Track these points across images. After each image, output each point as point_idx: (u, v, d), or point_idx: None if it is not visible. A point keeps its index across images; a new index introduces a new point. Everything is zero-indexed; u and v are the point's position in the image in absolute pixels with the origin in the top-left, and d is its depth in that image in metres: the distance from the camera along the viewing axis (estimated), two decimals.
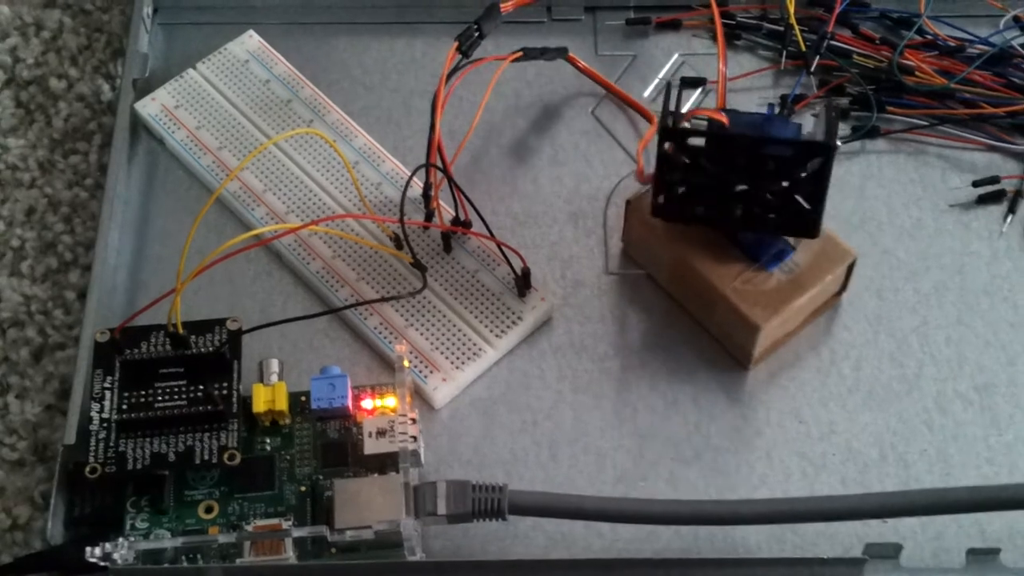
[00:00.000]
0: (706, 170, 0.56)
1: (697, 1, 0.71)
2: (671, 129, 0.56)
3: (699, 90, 0.69)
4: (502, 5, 0.63)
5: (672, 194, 0.58)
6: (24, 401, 0.60)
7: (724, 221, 0.58)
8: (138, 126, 0.68)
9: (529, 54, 0.65)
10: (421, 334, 0.60)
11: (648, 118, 0.68)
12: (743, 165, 0.56)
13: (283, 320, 0.58)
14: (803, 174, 0.56)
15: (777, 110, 0.67)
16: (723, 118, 0.56)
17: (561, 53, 0.68)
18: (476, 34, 0.62)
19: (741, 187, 0.56)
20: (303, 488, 0.55)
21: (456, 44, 0.61)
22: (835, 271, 0.59)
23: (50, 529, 0.54)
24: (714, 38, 0.70)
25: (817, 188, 0.56)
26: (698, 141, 0.56)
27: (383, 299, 0.61)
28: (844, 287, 0.62)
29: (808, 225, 0.58)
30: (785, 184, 0.56)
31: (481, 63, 0.63)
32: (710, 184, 0.57)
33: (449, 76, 0.60)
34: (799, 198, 0.56)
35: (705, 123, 0.56)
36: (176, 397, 0.55)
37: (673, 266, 0.60)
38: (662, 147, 0.56)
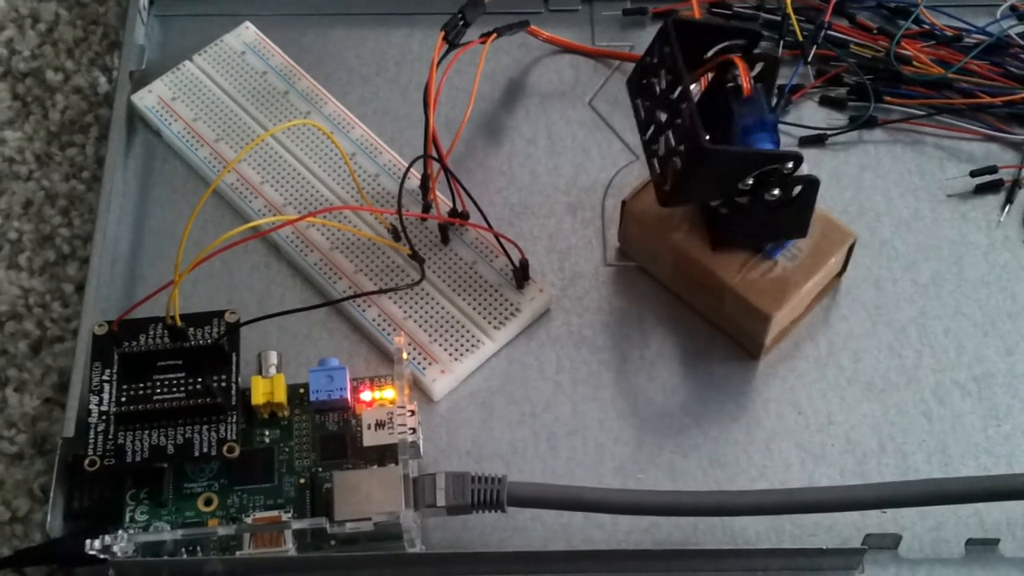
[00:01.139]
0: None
1: None
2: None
3: None
4: None
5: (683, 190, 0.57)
6: (23, 394, 0.60)
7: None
8: (135, 118, 0.68)
9: (502, 32, 0.66)
10: (419, 326, 0.60)
11: None
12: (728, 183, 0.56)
13: (281, 312, 0.58)
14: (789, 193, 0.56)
15: (775, 101, 0.67)
16: (747, 86, 0.56)
17: (523, 26, 0.68)
18: (461, 22, 0.63)
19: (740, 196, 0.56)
20: (302, 480, 0.55)
21: (443, 33, 0.62)
22: (837, 253, 0.59)
23: (49, 522, 0.54)
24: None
25: (803, 209, 0.57)
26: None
27: (381, 291, 0.61)
28: (844, 268, 0.62)
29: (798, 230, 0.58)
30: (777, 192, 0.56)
31: (466, 48, 0.63)
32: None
33: (438, 64, 0.60)
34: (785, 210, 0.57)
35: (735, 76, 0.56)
36: (175, 390, 0.55)
37: (675, 263, 0.60)
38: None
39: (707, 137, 0.54)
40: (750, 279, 0.58)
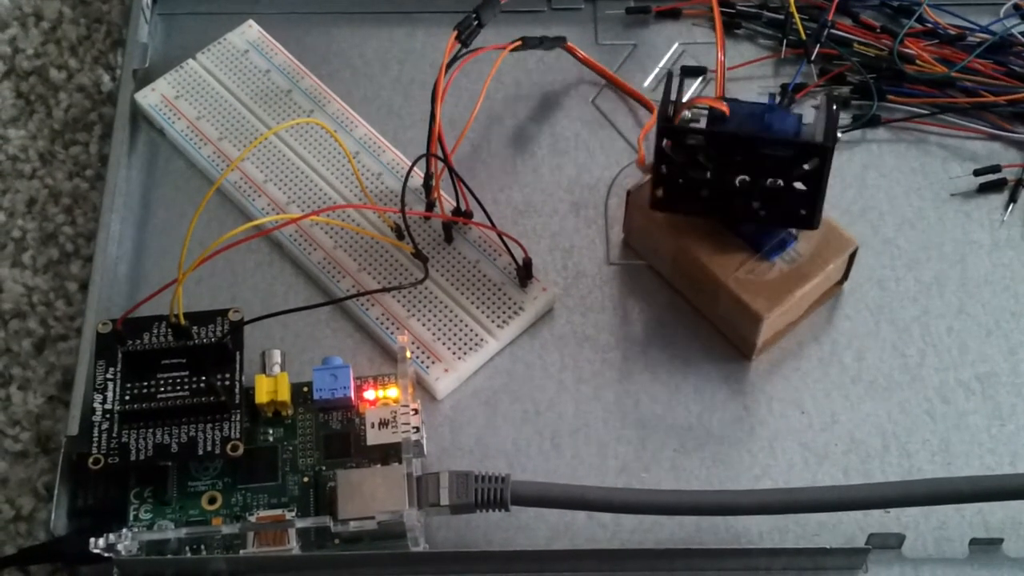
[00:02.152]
0: (704, 165, 0.56)
1: None
2: (669, 126, 0.56)
3: (700, 79, 0.69)
4: None
5: (671, 187, 0.57)
6: (27, 392, 0.60)
7: (723, 213, 0.58)
8: (138, 117, 0.68)
9: (528, 43, 0.65)
10: (423, 324, 0.60)
11: (649, 107, 0.68)
12: (741, 161, 0.56)
13: (285, 311, 0.58)
14: (801, 171, 0.56)
15: (778, 100, 0.67)
16: (724, 107, 0.56)
17: (560, 42, 0.67)
18: (475, 23, 0.62)
19: (741, 178, 0.56)
20: (306, 479, 0.55)
21: (455, 33, 0.61)
22: (837, 260, 0.59)
23: (53, 520, 0.54)
24: (714, 27, 0.70)
25: (815, 185, 0.56)
26: (696, 139, 0.56)
27: (384, 289, 0.61)
28: (846, 276, 0.62)
29: (807, 218, 0.58)
30: (781, 183, 0.56)
31: (480, 52, 0.63)
32: (708, 179, 0.57)
33: (448, 66, 0.60)
34: (798, 192, 0.56)
35: (706, 112, 0.56)
36: (179, 388, 0.55)
37: (675, 257, 0.60)
38: (660, 142, 0.56)
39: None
40: (746, 279, 0.58)
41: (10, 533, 0.57)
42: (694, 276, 0.60)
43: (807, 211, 0.57)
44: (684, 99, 0.57)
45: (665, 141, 0.56)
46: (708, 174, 0.56)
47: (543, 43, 0.66)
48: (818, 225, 0.58)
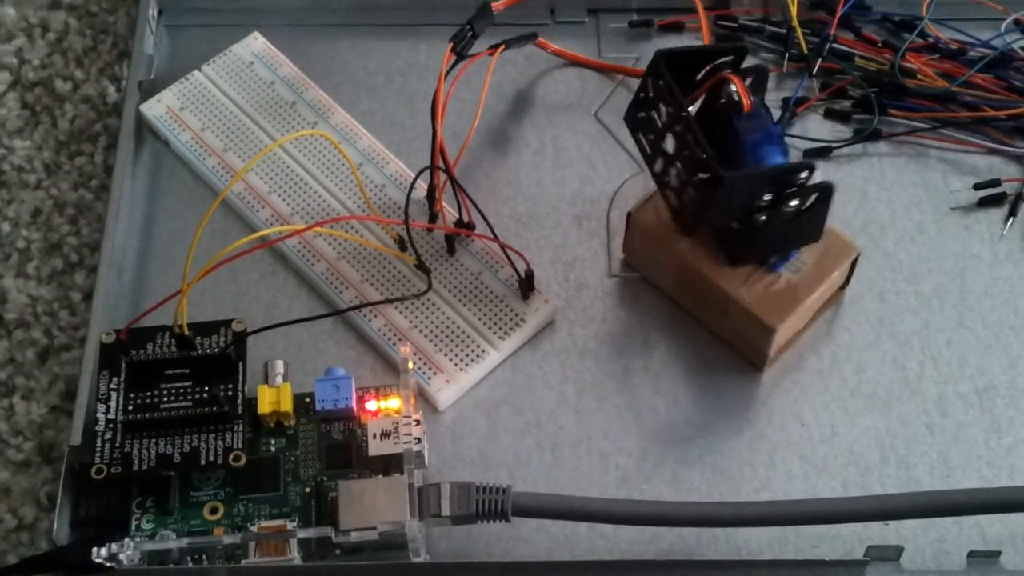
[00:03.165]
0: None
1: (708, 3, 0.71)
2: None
3: None
4: (494, 4, 0.65)
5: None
6: (30, 402, 0.60)
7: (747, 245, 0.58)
8: (143, 128, 0.68)
9: (509, 44, 0.66)
10: (425, 336, 0.60)
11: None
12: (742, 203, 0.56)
13: (288, 321, 0.59)
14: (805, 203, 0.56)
15: (781, 113, 0.68)
16: (747, 102, 0.56)
17: (532, 39, 0.68)
18: (470, 34, 0.63)
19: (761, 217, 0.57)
20: (308, 489, 0.56)
21: (451, 44, 0.62)
22: (840, 266, 0.60)
23: (56, 529, 0.54)
24: (716, 39, 0.70)
25: (818, 215, 0.57)
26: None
27: (387, 300, 0.61)
28: (847, 281, 0.62)
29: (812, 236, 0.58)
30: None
31: (475, 60, 0.64)
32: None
33: (446, 76, 0.61)
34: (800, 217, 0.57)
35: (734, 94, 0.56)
36: (182, 398, 0.56)
37: (678, 274, 0.61)
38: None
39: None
40: (754, 291, 0.58)
41: (12, 543, 0.57)
42: (701, 292, 0.60)
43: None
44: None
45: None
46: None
47: (519, 41, 0.67)
48: (821, 236, 0.58)
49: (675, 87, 0.56)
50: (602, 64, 0.71)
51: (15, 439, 0.59)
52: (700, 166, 0.55)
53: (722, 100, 0.56)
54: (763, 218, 0.56)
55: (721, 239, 0.59)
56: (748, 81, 0.56)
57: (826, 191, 0.56)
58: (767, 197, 0.56)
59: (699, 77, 0.57)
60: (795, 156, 0.66)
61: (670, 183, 0.57)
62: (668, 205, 0.59)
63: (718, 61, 0.57)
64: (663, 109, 0.57)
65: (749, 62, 0.58)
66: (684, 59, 0.57)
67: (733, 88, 0.56)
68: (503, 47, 0.66)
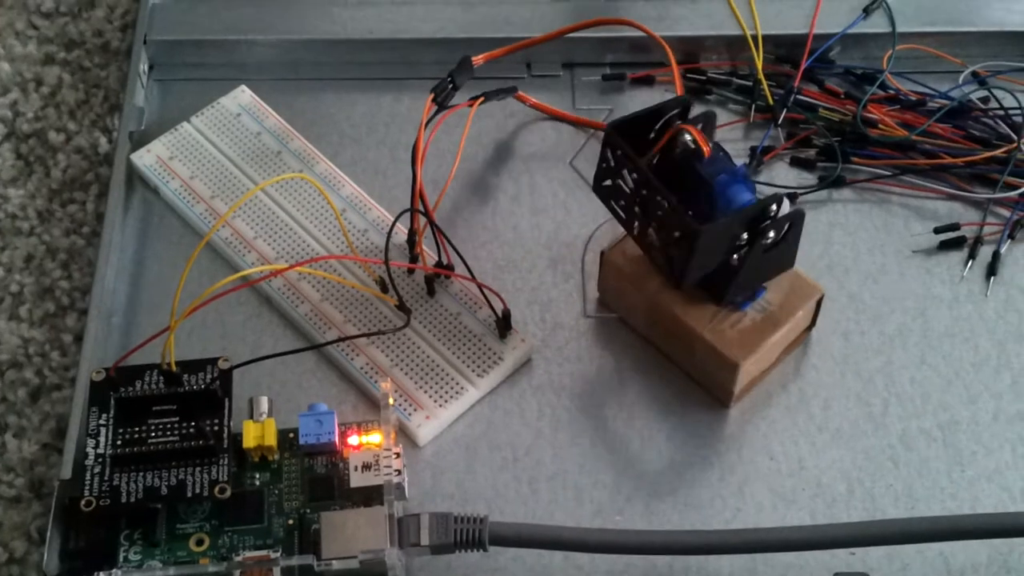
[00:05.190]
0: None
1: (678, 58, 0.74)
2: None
3: None
4: (474, 59, 0.68)
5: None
6: (21, 440, 0.62)
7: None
8: (134, 177, 0.70)
9: (489, 96, 0.69)
10: (405, 374, 0.62)
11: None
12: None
13: (271, 355, 0.60)
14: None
15: (748, 162, 0.70)
16: (706, 148, 0.59)
17: (511, 91, 0.71)
18: (451, 85, 0.66)
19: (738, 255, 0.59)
20: (291, 521, 0.57)
21: (431, 96, 0.65)
22: (805, 306, 0.62)
23: (46, 562, 0.55)
24: (687, 92, 0.73)
25: (791, 243, 0.60)
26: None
27: (367, 334, 0.63)
28: (813, 323, 0.64)
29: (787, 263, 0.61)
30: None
31: (454, 111, 0.66)
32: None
33: (426, 125, 0.64)
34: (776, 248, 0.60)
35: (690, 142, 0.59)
36: (169, 433, 0.57)
37: (649, 312, 0.63)
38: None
39: (690, 213, 0.57)
40: (720, 329, 0.60)
41: (3, 575, 0.58)
42: (670, 329, 0.62)
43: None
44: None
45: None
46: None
47: (499, 94, 0.70)
48: (793, 263, 0.61)
49: (634, 156, 0.58)
50: (576, 118, 0.73)
51: (7, 475, 0.61)
52: (673, 224, 0.57)
53: (678, 150, 0.59)
54: (741, 255, 0.58)
55: (702, 283, 0.61)
56: (700, 127, 0.59)
57: (798, 218, 0.58)
58: (744, 236, 0.58)
59: (652, 136, 0.60)
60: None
61: (652, 243, 0.60)
62: (656, 266, 0.61)
63: (667, 117, 0.60)
64: (627, 176, 0.59)
65: (714, 108, 0.61)
66: (635, 124, 0.60)
67: (689, 137, 0.58)
68: (483, 99, 0.69)
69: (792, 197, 0.69)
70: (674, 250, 0.58)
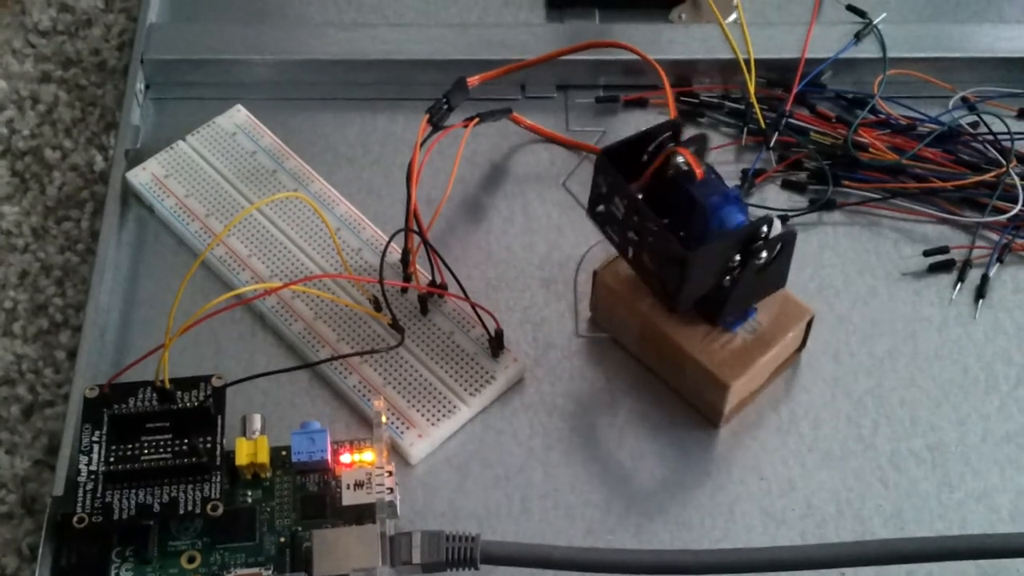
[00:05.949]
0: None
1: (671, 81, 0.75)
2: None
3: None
4: (469, 80, 0.69)
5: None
6: (14, 456, 0.62)
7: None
8: (129, 194, 0.70)
9: (484, 118, 0.70)
10: (398, 392, 0.63)
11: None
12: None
13: (264, 373, 0.61)
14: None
15: (740, 183, 0.71)
16: (699, 170, 0.59)
17: (506, 113, 0.72)
18: (445, 106, 0.67)
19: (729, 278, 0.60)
20: (283, 539, 0.57)
21: (427, 116, 0.66)
22: (795, 328, 0.62)
23: None
24: (680, 115, 0.74)
25: (783, 263, 0.60)
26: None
27: (360, 352, 0.63)
28: (803, 344, 0.65)
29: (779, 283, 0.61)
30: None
31: (449, 131, 0.67)
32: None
33: (422, 144, 0.64)
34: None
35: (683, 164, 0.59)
36: (162, 450, 0.57)
37: (641, 332, 0.63)
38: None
39: (682, 234, 0.57)
40: (711, 349, 0.61)
41: None
42: (661, 349, 0.62)
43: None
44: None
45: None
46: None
47: (493, 115, 0.71)
48: (785, 283, 0.61)
49: (624, 183, 0.59)
50: (569, 141, 0.74)
51: None
52: (664, 249, 0.58)
53: (671, 172, 0.59)
54: (734, 276, 0.59)
55: (695, 304, 0.61)
56: (692, 149, 0.60)
57: (790, 238, 0.59)
58: (736, 258, 0.58)
59: (645, 159, 0.60)
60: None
61: (647, 268, 0.60)
62: (653, 292, 0.61)
63: (658, 141, 0.60)
64: (619, 202, 0.60)
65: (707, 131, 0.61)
66: (626, 149, 0.60)
67: (682, 159, 0.59)
68: (477, 120, 0.69)
69: (783, 219, 0.70)
70: (668, 275, 0.59)
